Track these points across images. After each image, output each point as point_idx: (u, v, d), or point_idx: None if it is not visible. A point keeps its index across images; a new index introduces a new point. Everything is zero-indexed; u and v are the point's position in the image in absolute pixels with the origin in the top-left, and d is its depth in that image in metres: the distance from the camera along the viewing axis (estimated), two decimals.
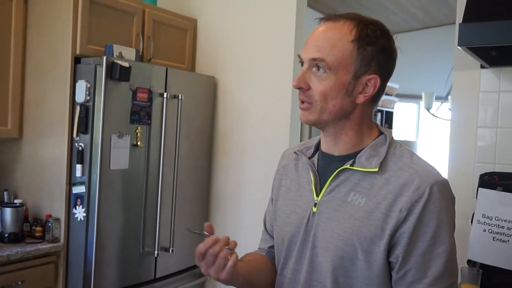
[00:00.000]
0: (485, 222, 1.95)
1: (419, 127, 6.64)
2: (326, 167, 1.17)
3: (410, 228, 1.03)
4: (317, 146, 1.22)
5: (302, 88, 1.10)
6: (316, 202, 1.14)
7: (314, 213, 1.14)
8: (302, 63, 1.12)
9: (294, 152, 1.26)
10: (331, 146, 1.17)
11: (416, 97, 6.03)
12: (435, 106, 4.67)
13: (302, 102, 1.12)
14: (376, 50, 1.09)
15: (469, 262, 1.95)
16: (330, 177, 1.14)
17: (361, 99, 1.11)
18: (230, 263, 1.07)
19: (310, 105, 1.10)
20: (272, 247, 1.32)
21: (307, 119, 1.12)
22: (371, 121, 1.17)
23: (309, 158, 1.21)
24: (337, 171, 1.13)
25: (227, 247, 1.08)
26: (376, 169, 1.09)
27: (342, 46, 1.07)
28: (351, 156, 1.13)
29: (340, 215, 1.10)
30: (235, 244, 1.10)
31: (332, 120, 1.11)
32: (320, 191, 1.15)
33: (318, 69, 1.08)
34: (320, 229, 1.12)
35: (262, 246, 1.37)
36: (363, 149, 1.13)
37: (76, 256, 2.51)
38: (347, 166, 1.12)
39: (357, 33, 1.08)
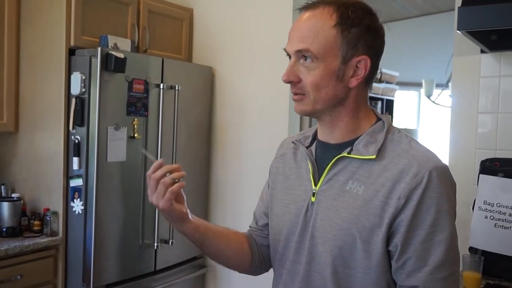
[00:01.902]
0: (486, 209, 1.93)
1: (420, 114, 6.61)
2: (323, 155, 1.15)
3: (408, 216, 1.01)
4: (315, 135, 1.20)
5: (293, 81, 1.08)
6: (314, 191, 1.12)
7: (312, 203, 1.12)
8: (289, 56, 1.10)
9: (292, 142, 1.24)
10: (327, 134, 1.14)
11: (416, 85, 5.99)
12: (436, 93, 4.64)
13: (295, 93, 1.10)
14: (361, 31, 1.06)
15: (471, 249, 1.93)
16: (328, 165, 1.11)
17: (354, 82, 1.08)
18: (170, 189, 1.07)
19: (303, 96, 1.09)
20: (256, 228, 1.32)
21: (302, 110, 1.11)
22: (367, 105, 1.15)
23: (307, 147, 1.19)
24: (334, 159, 1.11)
25: (170, 175, 1.08)
26: (374, 156, 1.06)
27: (325, 33, 1.05)
28: (349, 144, 1.11)
29: (339, 204, 1.08)
30: (181, 175, 1.09)
31: (327, 109, 1.09)
32: (319, 180, 1.12)
33: (306, 60, 1.06)
34: (319, 219, 1.10)
35: (249, 229, 1.36)
36: (360, 136, 1.11)
37: (75, 249, 2.50)
38: (345, 154, 1.10)
39: (338, 17, 1.05)
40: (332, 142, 1.14)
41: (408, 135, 1.13)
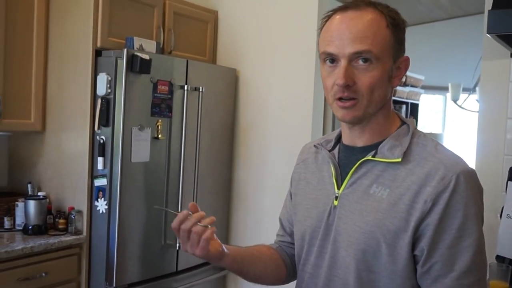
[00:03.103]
0: None
1: (446, 119, 6.50)
2: (347, 159, 1.13)
3: (435, 220, 0.99)
4: (338, 139, 1.19)
5: (349, 84, 1.03)
6: (337, 195, 1.11)
7: (335, 206, 1.11)
8: (330, 59, 1.05)
9: (314, 146, 1.23)
10: (355, 137, 1.12)
11: (442, 89, 5.90)
12: (462, 98, 4.56)
13: (347, 99, 1.04)
14: (403, 31, 1.08)
15: (498, 257, 1.89)
16: (351, 169, 1.10)
17: (396, 82, 1.09)
18: (203, 237, 1.07)
19: (356, 101, 1.04)
20: (284, 235, 1.33)
21: (354, 116, 1.05)
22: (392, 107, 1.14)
23: (330, 151, 1.17)
24: (358, 162, 1.09)
25: (199, 223, 1.07)
26: (399, 160, 1.04)
27: (382, 33, 1.03)
28: (373, 147, 1.09)
29: (362, 207, 1.06)
30: (211, 221, 1.09)
31: (375, 112, 1.07)
32: (342, 184, 1.11)
33: (365, 61, 1.02)
34: (342, 222, 1.09)
35: (276, 238, 1.37)
36: (385, 139, 1.09)
37: (98, 248, 2.53)
38: (369, 157, 1.08)
39: (387, 18, 1.05)
40: (360, 145, 1.12)
41: (433, 139, 1.11)
